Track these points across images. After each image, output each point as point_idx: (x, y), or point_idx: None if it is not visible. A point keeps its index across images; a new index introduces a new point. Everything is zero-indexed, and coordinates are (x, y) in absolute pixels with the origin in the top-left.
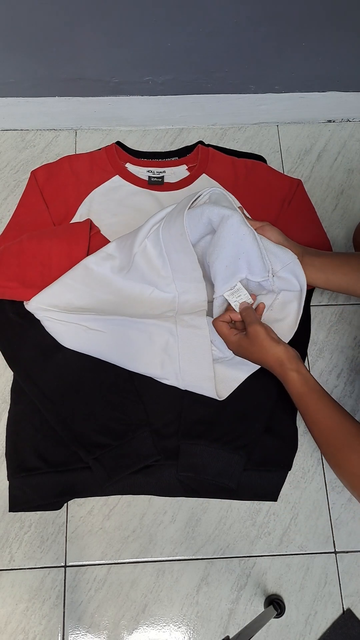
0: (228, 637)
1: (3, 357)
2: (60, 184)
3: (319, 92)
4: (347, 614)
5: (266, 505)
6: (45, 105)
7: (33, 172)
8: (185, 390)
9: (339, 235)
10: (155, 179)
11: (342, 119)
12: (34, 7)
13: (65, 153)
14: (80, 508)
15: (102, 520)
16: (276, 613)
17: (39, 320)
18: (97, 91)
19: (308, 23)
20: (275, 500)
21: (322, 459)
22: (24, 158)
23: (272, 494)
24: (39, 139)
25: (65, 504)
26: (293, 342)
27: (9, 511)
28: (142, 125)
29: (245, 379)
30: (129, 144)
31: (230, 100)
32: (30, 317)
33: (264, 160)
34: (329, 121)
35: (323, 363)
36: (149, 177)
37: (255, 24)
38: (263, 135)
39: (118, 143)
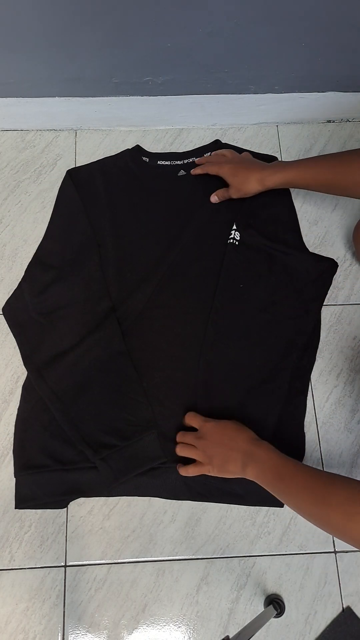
0: (228, 636)
1: (7, 356)
2: None
3: (318, 92)
4: (347, 612)
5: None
6: (45, 105)
7: None
8: (197, 394)
9: (338, 235)
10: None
11: (341, 119)
12: (34, 7)
13: (65, 153)
14: (81, 508)
15: (102, 520)
16: (276, 613)
17: (60, 322)
18: (97, 91)
19: (308, 23)
20: (282, 506)
21: (321, 458)
22: (24, 158)
23: (278, 500)
24: (39, 139)
25: None
26: (303, 348)
27: (15, 508)
28: (142, 125)
29: (253, 388)
30: (129, 144)
31: (230, 101)
32: (51, 317)
33: (275, 160)
34: (329, 121)
35: (323, 363)
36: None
37: (255, 24)
38: (263, 136)
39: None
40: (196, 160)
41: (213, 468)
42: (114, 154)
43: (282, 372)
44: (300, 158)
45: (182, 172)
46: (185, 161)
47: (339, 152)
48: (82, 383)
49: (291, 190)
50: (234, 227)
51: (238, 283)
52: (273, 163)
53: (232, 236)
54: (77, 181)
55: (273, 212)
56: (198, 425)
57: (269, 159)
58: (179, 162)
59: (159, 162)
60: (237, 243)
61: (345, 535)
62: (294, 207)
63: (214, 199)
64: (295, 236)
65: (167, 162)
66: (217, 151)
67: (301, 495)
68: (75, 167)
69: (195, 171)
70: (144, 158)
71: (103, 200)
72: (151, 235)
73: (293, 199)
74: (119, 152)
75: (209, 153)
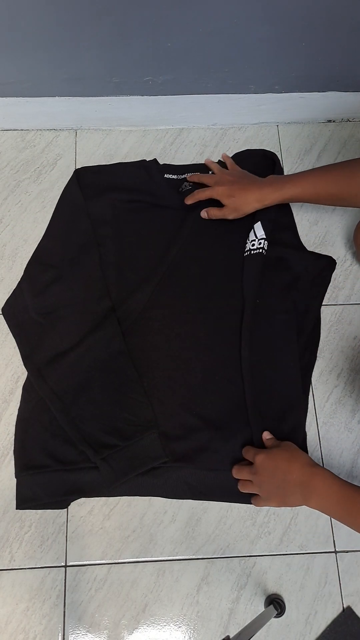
0: (228, 636)
1: (7, 356)
2: None
3: (319, 92)
4: (347, 612)
5: None
6: (45, 105)
7: None
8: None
9: (339, 235)
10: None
11: (342, 119)
12: (34, 6)
13: (65, 153)
14: (81, 508)
15: (102, 520)
16: (276, 613)
17: (60, 322)
18: (97, 91)
19: (308, 23)
20: None
21: (322, 458)
22: (24, 158)
23: None
24: (39, 139)
25: None
26: (304, 347)
27: (17, 508)
28: (142, 125)
29: (254, 393)
30: (129, 144)
31: (230, 100)
32: (51, 317)
33: (274, 154)
34: (329, 121)
35: (323, 363)
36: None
37: (255, 23)
38: (263, 135)
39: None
40: (188, 177)
41: (273, 503)
42: (114, 153)
43: (295, 371)
44: (301, 158)
45: (185, 185)
46: (190, 175)
47: (339, 164)
48: (83, 383)
49: None
50: (259, 224)
51: (257, 283)
52: (270, 179)
53: (258, 237)
54: (83, 181)
55: (268, 212)
56: (252, 459)
57: (268, 155)
58: (182, 176)
59: (165, 176)
60: (264, 241)
61: None
62: (289, 205)
63: (204, 214)
64: (293, 235)
65: (173, 176)
66: (205, 175)
67: None
68: (84, 167)
69: (187, 200)
70: (156, 167)
71: (106, 201)
72: (151, 235)
73: None
74: (135, 160)
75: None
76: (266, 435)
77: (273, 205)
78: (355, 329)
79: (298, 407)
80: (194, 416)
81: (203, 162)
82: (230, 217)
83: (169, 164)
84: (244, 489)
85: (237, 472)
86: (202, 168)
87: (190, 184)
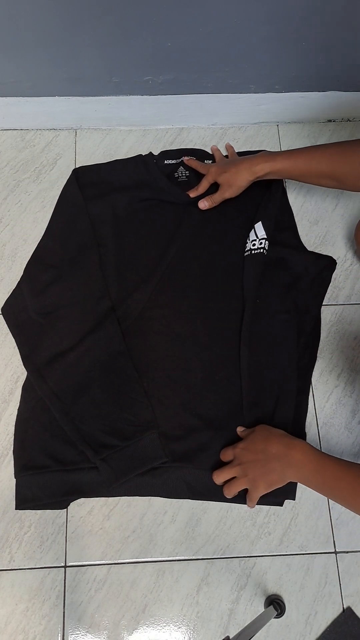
0: (228, 637)
1: (7, 356)
2: None
3: (319, 92)
4: (347, 612)
5: (266, 505)
6: (45, 105)
7: None
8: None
9: (339, 234)
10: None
11: (342, 119)
12: (33, 6)
13: (65, 153)
14: (80, 508)
15: (102, 520)
16: (276, 613)
17: (60, 321)
18: (97, 91)
19: (308, 22)
20: (282, 505)
21: None
22: (24, 158)
23: (278, 499)
24: (39, 138)
25: None
26: (304, 347)
27: (16, 509)
28: (142, 124)
29: (253, 393)
30: (129, 143)
31: (230, 100)
32: (51, 317)
33: None
34: (329, 121)
35: (323, 363)
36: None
37: (255, 23)
38: (263, 135)
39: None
40: (185, 160)
41: (261, 487)
42: (114, 153)
43: (290, 370)
44: None
45: (181, 170)
46: (187, 158)
47: (334, 143)
48: (82, 383)
49: (292, 188)
50: (260, 225)
51: (257, 283)
52: (262, 152)
53: (258, 237)
54: (82, 180)
55: (269, 212)
56: (231, 456)
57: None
58: (179, 160)
59: (165, 162)
60: (265, 242)
61: None
62: (289, 205)
63: (202, 204)
64: (293, 235)
65: (172, 161)
66: (201, 163)
67: (350, 495)
68: (83, 167)
69: (192, 193)
70: (154, 160)
71: (106, 200)
72: (151, 234)
73: (294, 198)
74: (133, 156)
75: (210, 161)
76: (239, 429)
77: (265, 177)
78: (356, 329)
79: (286, 405)
80: (194, 416)
81: (199, 157)
82: (227, 195)
83: (166, 150)
84: (229, 491)
85: (218, 475)
86: (199, 150)
87: (186, 170)
